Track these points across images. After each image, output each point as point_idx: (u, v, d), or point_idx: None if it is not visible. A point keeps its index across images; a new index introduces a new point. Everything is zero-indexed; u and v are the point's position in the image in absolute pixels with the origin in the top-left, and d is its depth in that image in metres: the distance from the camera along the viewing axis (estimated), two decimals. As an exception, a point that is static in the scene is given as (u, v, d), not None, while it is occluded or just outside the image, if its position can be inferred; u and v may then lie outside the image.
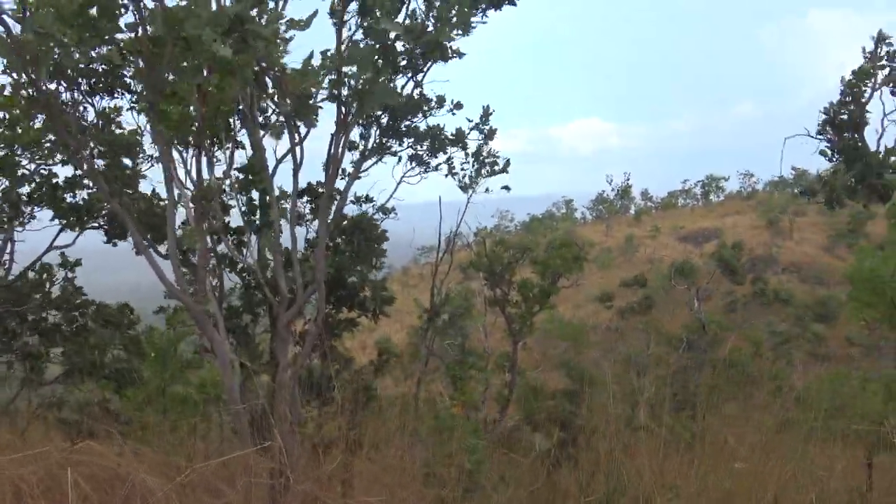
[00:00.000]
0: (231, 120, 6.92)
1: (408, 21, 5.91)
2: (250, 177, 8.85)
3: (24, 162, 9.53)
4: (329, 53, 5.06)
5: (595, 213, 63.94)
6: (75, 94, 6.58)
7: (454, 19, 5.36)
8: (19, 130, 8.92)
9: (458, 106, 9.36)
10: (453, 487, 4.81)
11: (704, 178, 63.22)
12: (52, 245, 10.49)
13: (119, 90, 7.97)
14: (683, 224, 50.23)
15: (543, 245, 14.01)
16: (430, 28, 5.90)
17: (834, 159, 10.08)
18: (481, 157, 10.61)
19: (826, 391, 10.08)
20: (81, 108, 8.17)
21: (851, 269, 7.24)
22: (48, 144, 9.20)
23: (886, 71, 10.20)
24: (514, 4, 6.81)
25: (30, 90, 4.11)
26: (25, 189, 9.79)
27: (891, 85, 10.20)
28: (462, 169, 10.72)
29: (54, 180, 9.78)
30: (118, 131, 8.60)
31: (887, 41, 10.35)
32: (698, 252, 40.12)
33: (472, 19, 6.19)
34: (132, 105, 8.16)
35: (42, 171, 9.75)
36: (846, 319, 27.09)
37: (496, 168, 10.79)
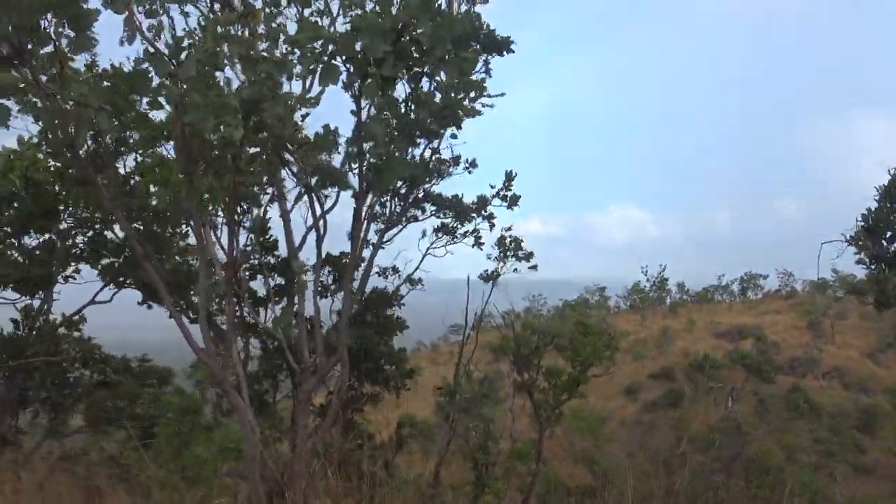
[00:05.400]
0: (255, 190, 7.16)
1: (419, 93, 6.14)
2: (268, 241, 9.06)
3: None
4: (335, 128, 5.26)
5: (629, 303, 63.06)
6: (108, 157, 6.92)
7: (464, 89, 5.52)
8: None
9: (473, 164, 9.43)
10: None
11: (743, 275, 62.30)
12: (94, 299, 10.79)
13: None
14: (721, 319, 49.18)
15: (571, 328, 13.82)
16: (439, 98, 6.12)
17: (871, 268, 9.85)
18: (506, 243, 10.59)
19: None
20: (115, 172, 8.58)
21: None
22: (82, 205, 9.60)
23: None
24: (512, 51, 6.98)
25: (67, 153, 4.30)
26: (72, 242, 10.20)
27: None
28: (488, 257, 10.78)
29: (105, 236, 10.19)
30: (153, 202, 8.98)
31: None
32: (732, 348, 39.10)
33: (477, 76, 6.36)
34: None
35: (89, 226, 10.17)
36: (891, 430, 25.86)
37: (520, 255, 10.76)
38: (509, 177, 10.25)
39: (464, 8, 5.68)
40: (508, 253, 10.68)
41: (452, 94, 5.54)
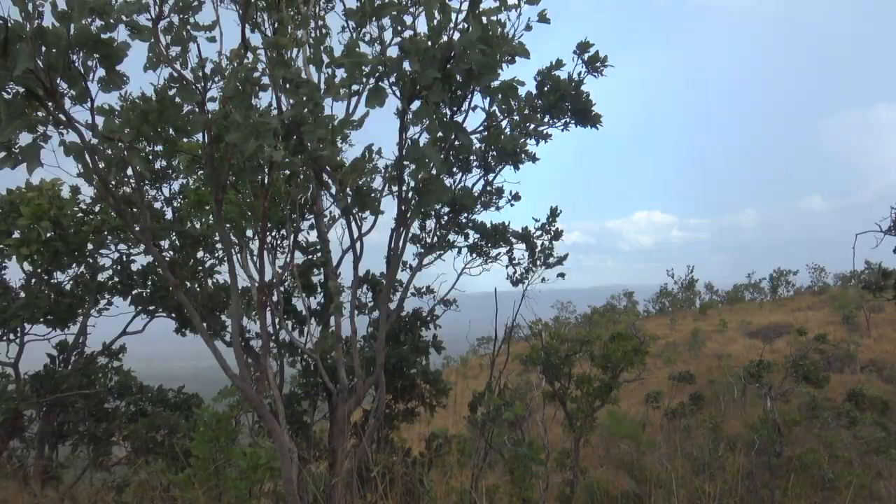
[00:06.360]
0: (290, 211, 7.21)
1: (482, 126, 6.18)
2: (313, 262, 9.11)
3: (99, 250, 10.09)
4: (378, 149, 5.28)
5: (658, 307, 62.39)
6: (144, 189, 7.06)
7: (527, 129, 5.54)
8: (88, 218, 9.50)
9: (517, 197, 9.31)
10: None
11: (773, 272, 61.34)
12: (125, 331, 10.91)
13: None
14: (752, 319, 48.44)
15: (605, 338, 13.65)
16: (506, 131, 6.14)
17: (908, 256, 9.64)
18: (536, 251, 10.41)
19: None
20: (153, 202, 8.72)
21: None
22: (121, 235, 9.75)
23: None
24: (596, 128, 6.97)
25: (101, 189, 4.34)
26: (104, 274, 10.33)
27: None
28: (519, 263, 10.60)
29: (130, 267, 10.30)
30: (189, 225, 9.08)
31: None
32: (768, 348, 38.43)
33: (548, 129, 6.38)
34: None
35: (117, 257, 10.30)
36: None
37: (551, 261, 10.56)
38: (553, 213, 10.05)
39: (580, 73, 5.76)
40: (538, 261, 10.48)
41: (508, 130, 5.55)
